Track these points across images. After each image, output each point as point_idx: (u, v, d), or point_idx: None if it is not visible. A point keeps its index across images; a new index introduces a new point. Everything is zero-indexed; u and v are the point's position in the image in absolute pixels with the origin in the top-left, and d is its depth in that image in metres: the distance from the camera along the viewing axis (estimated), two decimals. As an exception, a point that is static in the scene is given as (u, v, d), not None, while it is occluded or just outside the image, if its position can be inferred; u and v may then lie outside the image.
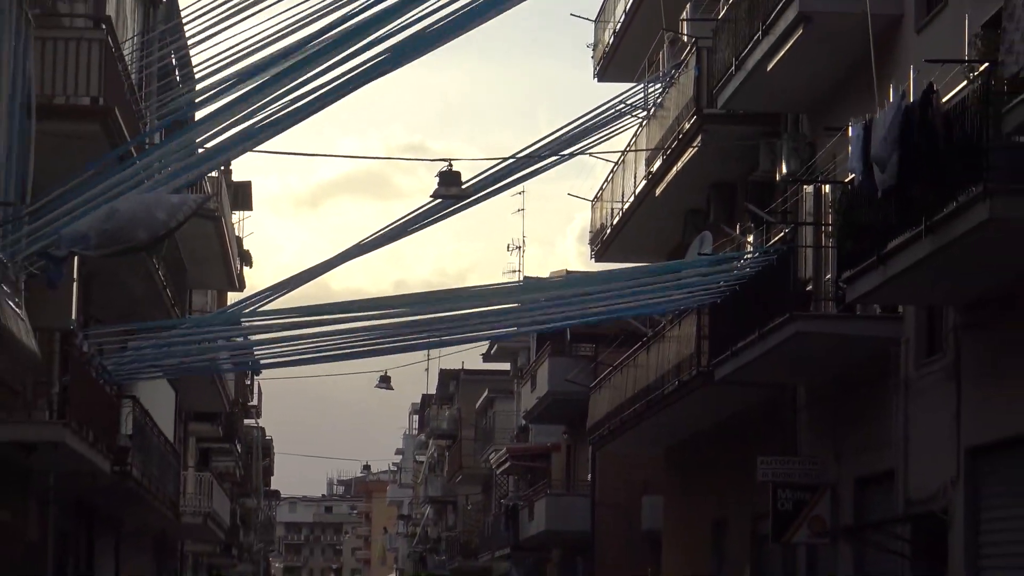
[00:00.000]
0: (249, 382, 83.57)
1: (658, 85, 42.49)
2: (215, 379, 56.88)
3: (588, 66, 53.05)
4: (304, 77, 22.47)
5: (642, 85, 44.04)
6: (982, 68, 22.06)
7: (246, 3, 24.49)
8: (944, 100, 23.12)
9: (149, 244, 27.02)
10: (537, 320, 41.28)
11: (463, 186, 33.79)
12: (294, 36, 23.08)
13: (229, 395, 66.90)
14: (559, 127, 32.95)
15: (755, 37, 31.95)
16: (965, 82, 22.95)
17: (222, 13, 25.16)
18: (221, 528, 72.08)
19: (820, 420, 33.34)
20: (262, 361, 42.37)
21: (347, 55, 22.07)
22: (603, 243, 48.09)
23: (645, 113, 42.37)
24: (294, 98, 22.92)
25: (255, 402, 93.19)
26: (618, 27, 48.21)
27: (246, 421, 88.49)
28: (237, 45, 24.54)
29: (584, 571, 64.63)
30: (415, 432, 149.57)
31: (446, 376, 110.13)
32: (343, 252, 30.66)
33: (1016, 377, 24.07)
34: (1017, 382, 24.01)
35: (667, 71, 42.25)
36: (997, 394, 24.79)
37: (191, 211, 28.07)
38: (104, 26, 30.47)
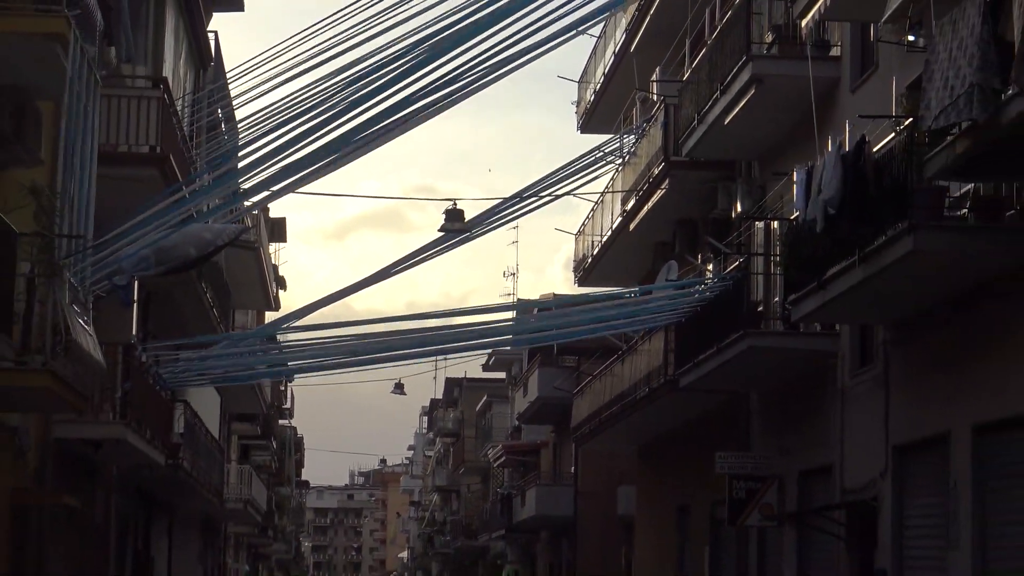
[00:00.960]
0: (283, 388, 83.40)
1: (632, 136, 42.49)
2: (254, 386, 56.85)
3: (573, 120, 53.10)
4: (332, 132, 22.61)
5: (618, 136, 44.18)
6: (906, 123, 22.17)
7: (281, 70, 24.57)
8: (875, 149, 23.05)
9: (198, 260, 27.29)
10: (529, 335, 41.46)
11: (466, 222, 34.02)
12: (324, 95, 23.15)
13: (266, 399, 66.75)
14: (548, 172, 33.03)
15: (714, 96, 31.91)
16: (892, 134, 23.08)
17: (261, 76, 25.28)
18: (259, 513, 71.91)
19: (769, 421, 33.37)
20: (294, 369, 42.54)
21: (368, 118, 22.20)
22: (585, 270, 48.02)
23: (621, 160, 42.35)
24: (324, 148, 23.05)
25: (288, 405, 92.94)
26: (597, 87, 48.22)
27: (280, 421, 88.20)
28: (275, 102, 24.65)
29: (568, 550, 64.43)
30: (425, 431, 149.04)
31: (451, 383, 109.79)
32: (365, 278, 30.77)
33: (935, 386, 24.14)
34: (935, 390, 24.07)
35: (639, 124, 42.20)
36: (919, 400, 24.84)
37: (233, 236, 28.38)
38: (161, 86, 30.63)
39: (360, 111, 22.48)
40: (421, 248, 31.80)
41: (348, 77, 22.57)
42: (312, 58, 23.48)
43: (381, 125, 22.27)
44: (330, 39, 23.03)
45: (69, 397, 23.65)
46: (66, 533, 30.52)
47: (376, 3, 22.35)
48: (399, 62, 21.87)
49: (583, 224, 48.71)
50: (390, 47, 22.18)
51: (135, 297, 28.97)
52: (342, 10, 22.80)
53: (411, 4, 22.07)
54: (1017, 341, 21.26)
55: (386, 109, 22.36)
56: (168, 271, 27.23)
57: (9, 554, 25.50)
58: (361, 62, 22.54)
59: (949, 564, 23.42)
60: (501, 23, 21.58)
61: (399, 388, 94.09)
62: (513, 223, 36.28)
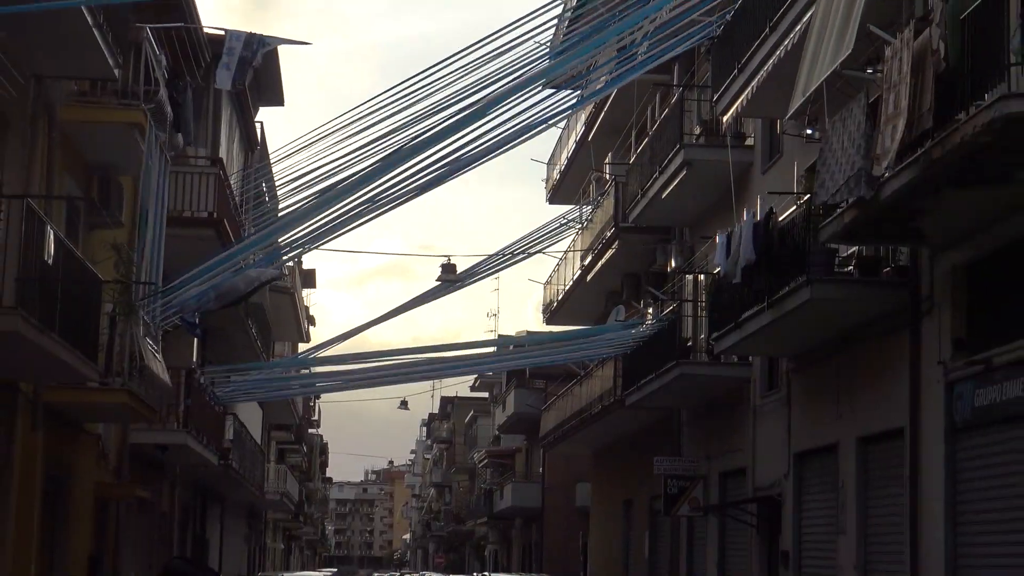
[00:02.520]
0: (312, 404, 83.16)
1: (589, 207, 42.58)
2: (289, 402, 56.78)
3: (543, 193, 53.12)
4: (352, 200, 22.63)
5: (578, 206, 44.28)
6: (805, 198, 22.15)
7: (311, 153, 24.56)
8: (780, 219, 23.06)
9: (247, 294, 27.24)
10: (507, 363, 41.48)
11: (458, 273, 34.07)
12: (346, 171, 23.16)
13: (298, 412, 66.53)
14: (523, 234, 33.16)
15: (654, 175, 31.94)
16: (794, 207, 23.09)
17: (295, 156, 25.23)
18: (292, 502, 71.66)
19: (696, 432, 33.32)
20: (321, 389, 42.50)
21: (381, 190, 22.23)
22: (552, 312, 47.95)
23: (580, 225, 42.48)
24: (345, 213, 23.06)
25: (316, 417, 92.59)
26: (562, 168, 48.22)
27: (310, 430, 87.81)
28: (305, 175, 24.63)
29: (537, 534, 64.31)
30: (424, 438, 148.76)
31: (445, 401, 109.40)
32: (377, 317, 30.95)
33: (826, 406, 24.09)
34: (827, 409, 24.04)
35: (595, 197, 42.34)
36: (814, 417, 24.84)
37: (273, 276, 28.39)
38: (217, 165, 30.65)
39: (375, 185, 22.52)
40: (423, 294, 31.94)
41: (364, 157, 22.61)
42: (336, 142, 23.46)
43: (392, 195, 22.30)
44: (350, 128, 23.01)
45: (142, 410, 23.62)
46: (138, 519, 30.44)
47: (384, 106, 22.36)
48: (406, 147, 21.90)
49: (550, 275, 48.73)
50: (399, 135, 22.23)
51: (199, 331, 28.96)
52: (359, 105, 22.78)
53: (416, 102, 22.08)
54: (891, 370, 21.29)
55: (395, 183, 22.41)
56: (223, 305, 27.24)
57: (93, 535, 25.41)
58: (375, 146, 22.57)
59: (838, 546, 23.40)
60: (487, 118, 21.68)
61: (404, 405, 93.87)
62: (495, 274, 36.47)
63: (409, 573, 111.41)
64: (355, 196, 22.73)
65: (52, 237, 17.32)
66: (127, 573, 28.11)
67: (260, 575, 59.76)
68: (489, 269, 33.49)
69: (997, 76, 15.15)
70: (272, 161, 34.21)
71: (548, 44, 23.43)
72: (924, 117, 16.40)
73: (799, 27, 21.45)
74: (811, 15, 20.48)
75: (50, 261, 17.23)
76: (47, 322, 16.79)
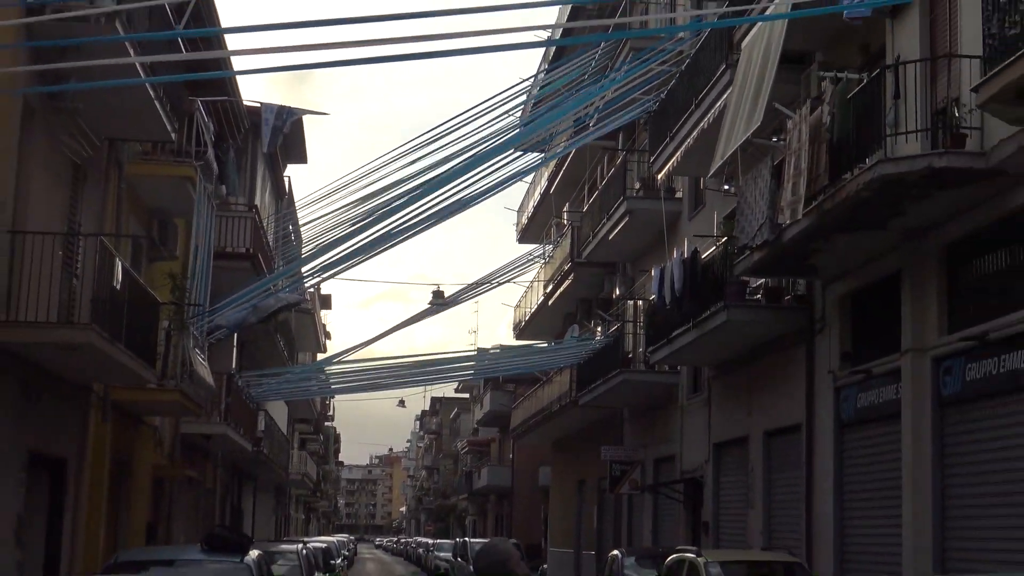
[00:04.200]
0: (328, 402, 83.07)
1: (550, 245, 42.66)
2: (309, 401, 56.72)
3: (514, 234, 53.17)
4: (360, 240, 22.62)
5: (542, 245, 44.38)
6: (723, 240, 22.25)
7: (328, 201, 24.56)
8: (703, 257, 23.12)
9: (278, 311, 27.30)
10: (484, 371, 41.42)
11: (445, 298, 34.06)
12: (356, 216, 23.16)
13: (316, 409, 66.46)
14: (498, 267, 33.23)
15: (603, 221, 32.09)
16: (714, 247, 23.16)
17: (316, 209, 25.21)
18: (311, 481, 71.67)
19: (636, 426, 33.25)
20: (335, 390, 42.39)
21: (384, 232, 22.20)
22: (520, 329, 47.92)
23: (543, 260, 42.59)
24: (354, 250, 23.04)
25: (331, 412, 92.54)
26: (529, 214, 48.31)
27: (326, 423, 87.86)
28: (323, 218, 24.65)
29: (507, 507, 64.26)
30: (417, 430, 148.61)
31: (435, 400, 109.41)
32: (380, 333, 30.98)
33: (738, 406, 24.13)
34: (739, 408, 24.08)
35: (555, 238, 42.41)
36: (729, 415, 24.85)
37: (297, 299, 28.44)
38: (253, 210, 30.68)
39: (379, 227, 22.51)
40: (417, 314, 32.00)
41: (371, 205, 22.62)
42: (348, 193, 23.49)
43: (393, 235, 22.29)
44: (360, 181, 23.04)
45: (191, 407, 23.57)
46: (187, 494, 30.36)
47: (389, 162, 22.40)
48: (407, 197, 21.91)
49: (519, 300, 48.71)
50: (400, 186, 22.24)
51: (230, 341, 28.96)
52: (368, 163, 22.79)
53: (414, 160, 22.13)
54: (790, 377, 21.34)
55: (396, 226, 22.40)
56: (259, 321, 27.37)
57: (150, 507, 25.34)
58: (380, 196, 22.59)
59: (748, 518, 23.43)
60: (472, 173, 21.71)
61: (402, 403, 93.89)
62: (475, 299, 36.55)
63: (404, 538, 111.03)
64: (363, 236, 22.73)
65: (120, 267, 17.31)
66: (177, 538, 27.99)
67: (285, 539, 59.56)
68: (470, 295, 33.59)
69: (876, 144, 15.26)
70: (297, 208, 34.37)
71: (519, 116, 23.54)
72: (819, 177, 16.50)
73: (718, 104, 21.55)
74: (728, 95, 20.59)
75: (118, 286, 17.22)
76: (115, 335, 16.76)
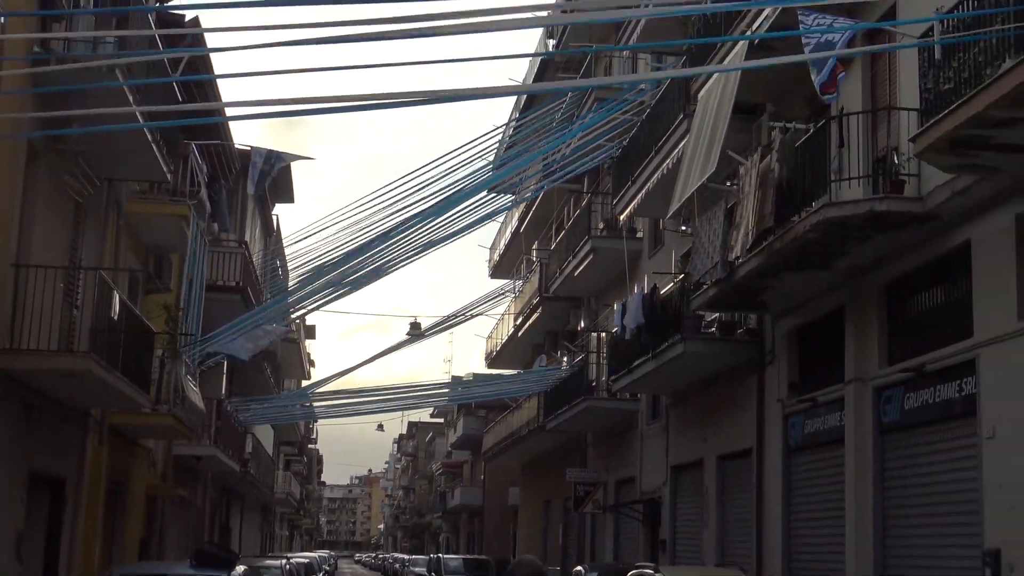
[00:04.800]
0: (311, 426, 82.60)
1: (520, 281, 42.71)
2: (295, 424, 56.43)
3: (486, 269, 53.22)
4: (341, 276, 22.59)
5: (512, 280, 44.43)
6: (680, 277, 22.27)
7: (312, 240, 24.57)
8: (662, 292, 23.18)
9: (266, 347, 27.23)
10: (458, 397, 41.42)
11: (422, 330, 34.01)
12: (339, 254, 23.14)
13: (301, 432, 66.07)
14: (471, 300, 33.27)
15: (569, 258, 32.18)
16: (672, 284, 23.23)
17: (302, 246, 25.25)
18: (294, 500, 71.19)
19: (599, 449, 33.17)
20: (317, 415, 42.22)
21: (367, 270, 22.18)
22: (492, 359, 47.84)
23: (514, 295, 42.62)
24: (337, 284, 23.02)
25: (314, 435, 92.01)
26: (501, 251, 48.40)
27: (309, 445, 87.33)
28: (309, 254, 24.62)
29: (479, 525, 63.98)
30: (395, 453, 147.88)
31: (412, 424, 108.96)
32: (361, 362, 30.88)
33: (694, 431, 24.12)
34: (695, 434, 24.06)
35: (525, 274, 42.45)
36: (686, 440, 24.84)
37: (283, 334, 28.36)
38: (243, 246, 30.59)
39: (361, 262, 22.49)
40: (395, 345, 32.09)
41: (354, 242, 22.62)
42: (333, 231, 23.48)
43: (374, 270, 22.28)
44: (343, 220, 23.03)
45: (183, 430, 23.43)
46: (178, 512, 30.13)
47: (370, 203, 22.39)
48: (387, 234, 21.91)
49: (491, 331, 48.66)
50: (381, 225, 22.24)
51: (221, 368, 28.80)
52: (351, 204, 22.82)
53: (395, 201, 22.13)
54: (742, 405, 21.38)
55: (377, 261, 22.39)
56: (254, 354, 27.44)
57: (144, 524, 25.14)
58: (362, 233, 22.59)
59: (703, 537, 23.42)
60: (448, 213, 21.74)
61: (380, 427, 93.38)
62: (450, 330, 36.57)
63: (381, 554, 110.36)
64: (346, 271, 22.71)
65: (117, 299, 17.24)
66: (169, 553, 27.76)
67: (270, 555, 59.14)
68: (445, 326, 33.57)
69: (821, 189, 15.36)
70: (284, 245, 34.35)
71: (492, 160, 23.59)
72: (767, 219, 16.58)
73: (676, 151, 21.64)
74: (685, 142, 20.68)
75: (115, 317, 17.14)
76: (112, 363, 16.68)
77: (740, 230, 17.52)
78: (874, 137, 15.82)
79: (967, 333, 14.09)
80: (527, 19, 9.46)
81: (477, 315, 35.14)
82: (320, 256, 23.89)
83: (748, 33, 17.61)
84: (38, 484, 17.65)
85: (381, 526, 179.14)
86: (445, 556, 46.84)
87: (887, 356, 16.33)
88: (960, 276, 14.52)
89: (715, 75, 18.66)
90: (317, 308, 25.67)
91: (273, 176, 28.01)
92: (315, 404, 36.46)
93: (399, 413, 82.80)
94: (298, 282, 25.27)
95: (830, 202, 14.94)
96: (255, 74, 21.92)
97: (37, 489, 17.67)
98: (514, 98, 33.57)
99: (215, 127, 26.04)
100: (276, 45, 9.53)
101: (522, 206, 39.86)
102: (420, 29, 8.61)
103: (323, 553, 74.62)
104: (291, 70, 9.42)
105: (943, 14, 12.43)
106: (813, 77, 15.00)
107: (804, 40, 14.59)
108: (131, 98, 15.60)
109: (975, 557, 13.45)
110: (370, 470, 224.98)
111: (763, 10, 16.51)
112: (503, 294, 42.41)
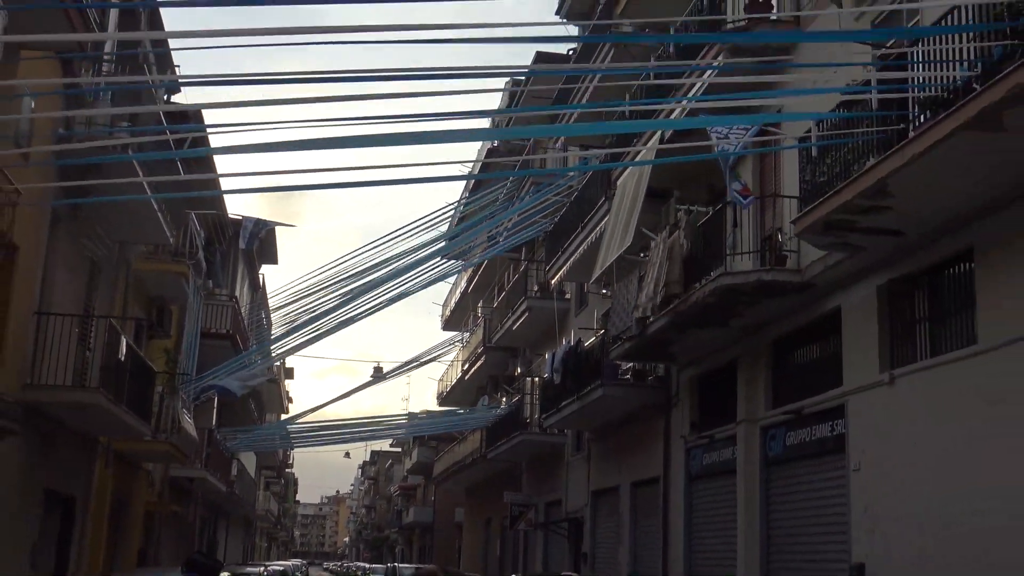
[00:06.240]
0: (289, 453, 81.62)
1: (467, 333, 42.64)
2: (275, 452, 55.70)
3: (439, 323, 53.10)
4: (316, 326, 22.44)
5: (461, 332, 44.34)
6: (601, 332, 22.38)
7: (291, 293, 24.36)
8: (585, 344, 23.24)
9: (254, 387, 26.86)
10: (413, 430, 41.08)
11: (384, 373, 33.77)
12: (313, 308, 22.97)
13: (279, 457, 65.33)
14: (426, 348, 33.14)
15: (508, 315, 32.19)
16: (594, 337, 23.33)
17: (283, 300, 25.05)
18: (273, 516, 70.20)
19: (532, 476, 32.85)
20: (294, 444, 41.67)
21: (338, 321, 22.03)
22: (443, 398, 47.56)
23: (461, 344, 42.51)
24: (312, 333, 22.84)
25: (291, 461, 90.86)
26: (451, 308, 48.35)
27: (287, 469, 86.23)
28: (289, 307, 24.45)
29: (429, 539, 63.24)
30: (360, 476, 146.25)
31: (374, 453, 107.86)
32: (331, 399, 30.47)
33: (612, 462, 23.96)
34: (612, 464, 23.90)
35: (471, 327, 42.39)
36: (604, 468, 24.66)
37: (268, 376, 27.97)
38: (233, 300, 30.34)
39: (332, 316, 22.36)
40: (361, 385, 32.45)
41: (326, 297, 22.48)
42: (309, 288, 23.33)
43: (343, 322, 22.14)
44: (317, 279, 22.90)
45: (178, 456, 23.07)
46: (173, 526, 29.59)
47: (341, 264, 22.30)
48: (355, 291, 21.81)
49: (443, 375, 48.50)
50: (350, 283, 22.12)
51: (211, 403, 28.49)
52: (324, 265, 22.70)
53: (363, 264, 22.06)
54: (652, 440, 21.33)
55: (346, 314, 22.27)
56: (244, 392, 27.14)
57: (142, 536, 24.63)
58: (334, 290, 22.47)
59: (619, 551, 23.29)
60: (407, 275, 21.69)
61: (347, 455, 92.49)
62: (407, 373, 36.37)
63: (346, 563, 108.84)
64: (319, 322, 22.57)
65: (124, 343, 17.04)
66: (163, 562, 27.20)
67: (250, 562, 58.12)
68: (403, 371, 33.43)
69: (718, 262, 15.50)
70: (268, 299, 34.07)
71: (445, 232, 23.62)
72: (675, 285, 16.68)
73: (598, 228, 21.77)
74: (606, 221, 20.82)
75: (122, 358, 16.93)
76: (119, 397, 16.46)
77: (644, 292, 17.61)
78: (762, 219, 16.01)
79: (838, 383, 14.21)
80: (479, 131, 9.51)
81: (430, 361, 35.13)
82: (298, 310, 23.77)
83: (659, 132, 17.80)
84: (52, 502, 17.30)
85: (346, 539, 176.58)
86: (400, 565, 46.22)
87: (772, 400, 16.42)
88: (832, 335, 14.67)
89: (631, 166, 18.84)
90: (294, 352, 25.42)
91: (260, 238, 27.91)
92: (292, 435, 36.03)
93: (363, 443, 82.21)
94: (279, 331, 25.05)
95: (726, 272, 15.07)
96: (244, 149, 21.81)
97: (51, 506, 17.31)
98: (464, 181, 33.72)
99: (212, 199, 25.90)
100: (264, 128, 9.48)
101: (470, 270, 39.93)
102: (389, 135, 8.65)
103: (296, 561, 73.50)
104: (279, 144, 9.23)
105: (819, 114, 12.63)
106: (728, 188, 15.00)
107: (710, 132, 14.57)
108: (140, 172, 15.50)
109: (844, 570, 13.49)
110: (338, 491, 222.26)
111: (677, 108, 16.70)
112: (452, 344, 42.32)
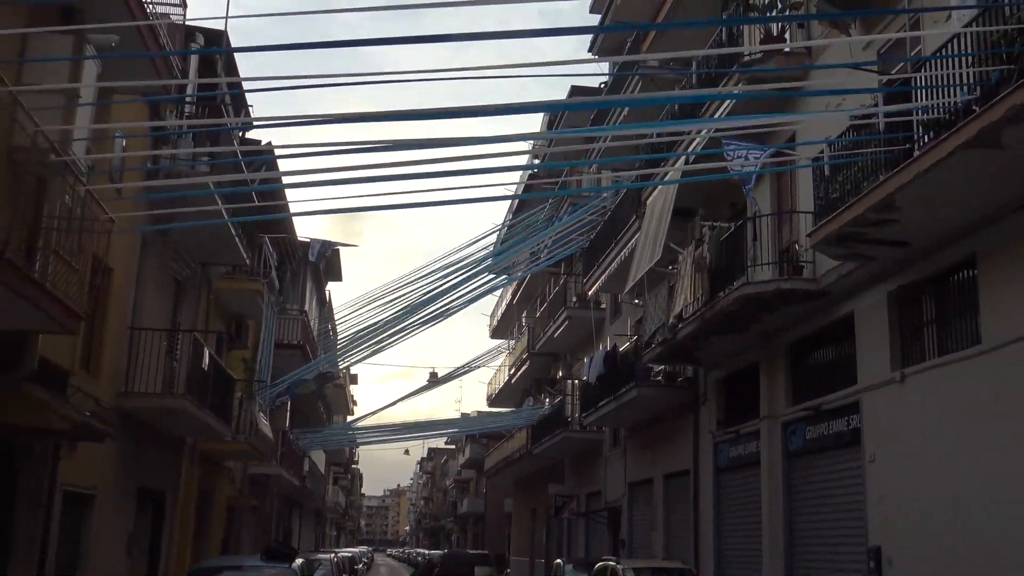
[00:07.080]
0: (354, 451, 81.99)
1: (513, 341, 42.61)
2: (342, 450, 55.90)
3: (487, 332, 53.17)
4: (378, 338, 22.52)
5: (507, 340, 44.30)
6: (634, 338, 22.40)
7: (354, 306, 24.47)
8: (620, 349, 23.24)
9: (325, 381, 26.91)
10: (466, 429, 41.11)
11: (439, 378, 33.80)
12: (375, 320, 23.06)
13: (346, 454, 65.62)
14: (476, 355, 33.14)
15: (550, 324, 32.17)
16: (628, 343, 23.30)
17: (348, 315, 25.20)
18: (341, 507, 70.39)
19: (574, 469, 32.80)
20: (359, 443, 41.82)
21: (396, 330, 22.08)
22: (492, 400, 47.58)
23: (508, 351, 42.48)
24: (374, 343, 22.93)
25: (356, 458, 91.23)
26: (498, 318, 48.39)
27: (352, 465, 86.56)
28: (352, 320, 24.57)
29: (481, 528, 63.22)
30: (418, 471, 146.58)
31: (431, 450, 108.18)
32: (391, 402, 30.66)
33: (646, 456, 23.85)
34: (646, 458, 23.80)
35: (517, 335, 42.35)
36: (639, 462, 24.61)
37: (334, 377, 28.08)
38: (303, 314, 30.54)
39: (393, 328, 22.42)
40: (418, 389, 32.05)
41: (388, 311, 22.57)
42: (372, 303, 23.45)
43: (402, 333, 22.21)
44: (380, 294, 23.01)
45: (256, 454, 23.21)
46: (252, 518, 29.75)
47: (401, 279, 22.38)
48: (412, 305, 21.87)
49: (491, 379, 48.46)
50: (409, 296, 22.22)
51: (285, 406, 28.65)
52: (386, 283, 22.79)
53: (420, 278, 22.13)
54: (682, 436, 21.21)
55: (404, 326, 22.34)
56: (316, 391, 27.24)
57: (225, 528, 24.83)
58: (394, 303, 22.57)
59: (653, 537, 23.14)
60: (459, 289, 21.75)
61: (407, 452, 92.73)
62: (460, 378, 36.45)
63: (407, 549, 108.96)
64: (381, 334, 22.66)
65: (207, 354, 17.20)
66: (244, 550, 27.38)
67: (321, 550, 58.46)
68: (456, 375, 33.46)
69: (741, 273, 15.39)
70: (334, 312, 34.25)
71: (492, 250, 23.64)
72: (701, 297, 16.58)
73: (630, 244, 21.73)
74: (636, 237, 20.76)
75: (205, 368, 17.10)
76: (202, 403, 16.61)
77: (678, 302, 17.52)
78: (780, 233, 15.89)
79: (853, 381, 14.05)
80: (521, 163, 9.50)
81: (480, 367, 35.18)
82: (361, 322, 23.90)
83: (684, 154, 17.73)
84: (144, 497, 17.48)
85: (407, 527, 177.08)
86: (455, 550, 46.23)
87: (792, 398, 16.26)
88: (847, 338, 14.51)
89: (659, 186, 18.77)
90: (359, 361, 25.56)
91: (326, 256, 28.14)
92: (357, 435, 36.19)
93: (420, 441, 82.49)
94: (344, 341, 25.18)
95: (747, 282, 14.96)
96: (310, 184, 21.98)
97: (144, 501, 17.49)
98: (508, 202, 33.76)
99: (283, 223, 26.13)
100: (324, 154, 9.49)
101: (515, 284, 39.96)
102: (434, 171, 8.68)
103: (363, 548, 73.84)
104: (343, 180, 9.28)
105: (831, 139, 12.55)
106: (744, 187, 14.98)
107: (727, 157, 14.61)
108: (219, 200, 15.68)
109: (861, 553, 13.32)
110: (399, 484, 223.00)
111: (700, 133, 16.65)
112: (500, 351, 42.29)
